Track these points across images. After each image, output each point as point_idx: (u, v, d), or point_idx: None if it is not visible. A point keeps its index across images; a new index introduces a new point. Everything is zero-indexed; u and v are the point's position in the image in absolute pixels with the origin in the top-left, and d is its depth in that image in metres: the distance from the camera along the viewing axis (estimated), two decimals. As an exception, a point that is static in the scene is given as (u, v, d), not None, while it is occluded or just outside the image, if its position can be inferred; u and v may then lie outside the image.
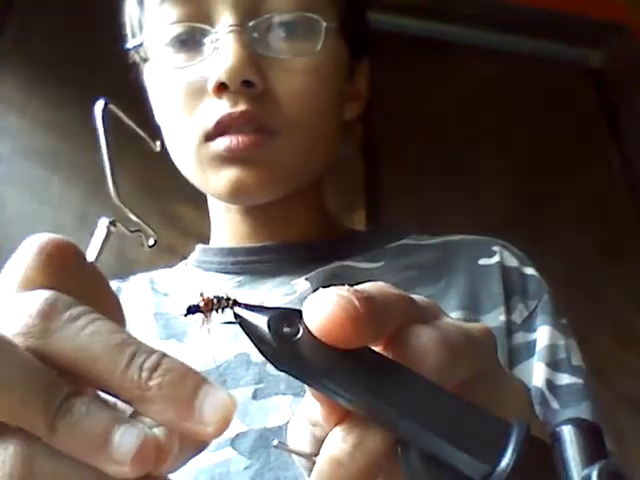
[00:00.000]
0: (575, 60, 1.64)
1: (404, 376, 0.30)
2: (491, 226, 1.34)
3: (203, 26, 0.52)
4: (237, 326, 0.31)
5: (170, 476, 0.46)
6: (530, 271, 0.58)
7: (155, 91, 0.58)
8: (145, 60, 0.59)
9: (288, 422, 0.46)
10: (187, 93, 0.53)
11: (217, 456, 0.45)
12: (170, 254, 1.14)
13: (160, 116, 0.59)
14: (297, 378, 0.30)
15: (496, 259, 0.57)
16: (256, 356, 0.50)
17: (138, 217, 0.33)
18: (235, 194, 0.54)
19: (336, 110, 0.58)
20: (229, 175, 0.53)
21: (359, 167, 1.27)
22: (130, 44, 0.59)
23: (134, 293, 0.62)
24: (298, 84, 0.53)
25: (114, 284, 0.64)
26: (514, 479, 0.27)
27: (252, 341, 0.30)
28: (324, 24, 0.53)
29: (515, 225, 1.35)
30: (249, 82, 0.50)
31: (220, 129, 0.52)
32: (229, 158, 0.52)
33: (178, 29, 0.53)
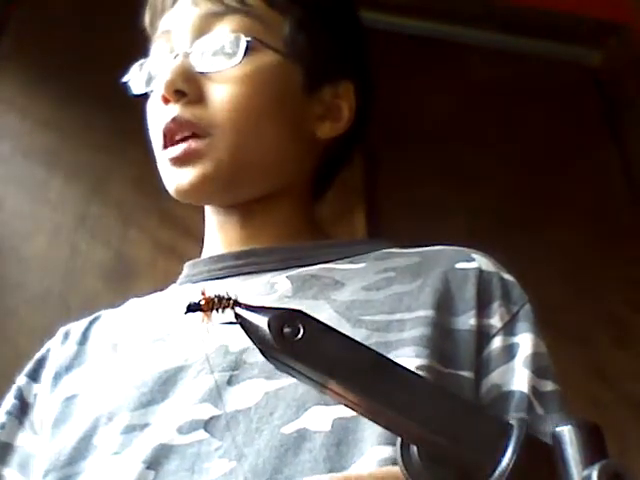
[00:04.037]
0: (575, 60, 1.64)
1: (404, 376, 0.30)
2: (490, 226, 1.35)
3: (167, 56, 0.64)
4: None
5: (141, 454, 0.48)
6: (510, 277, 0.60)
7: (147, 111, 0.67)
8: (146, 86, 0.67)
9: (258, 402, 0.49)
10: (154, 109, 0.64)
11: (190, 438, 0.48)
12: (170, 254, 1.15)
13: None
14: (297, 378, 0.30)
15: (474, 265, 0.59)
16: (234, 346, 0.53)
17: None
18: (177, 192, 0.63)
19: (280, 120, 0.64)
20: (173, 177, 0.63)
21: (358, 167, 1.27)
22: (135, 68, 0.68)
23: (127, 310, 0.65)
24: (225, 92, 0.61)
25: (108, 313, 0.66)
26: (514, 479, 0.27)
27: (252, 341, 0.30)
28: (244, 39, 0.61)
29: (515, 225, 1.35)
30: (180, 91, 0.60)
31: (167, 137, 0.62)
32: (172, 164, 0.62)
33: (157, 62, 0.65)
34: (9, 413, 0.59)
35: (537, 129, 1.50)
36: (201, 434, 0.48)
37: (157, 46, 0.67)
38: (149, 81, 0.66)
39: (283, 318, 0.30)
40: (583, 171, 1.47)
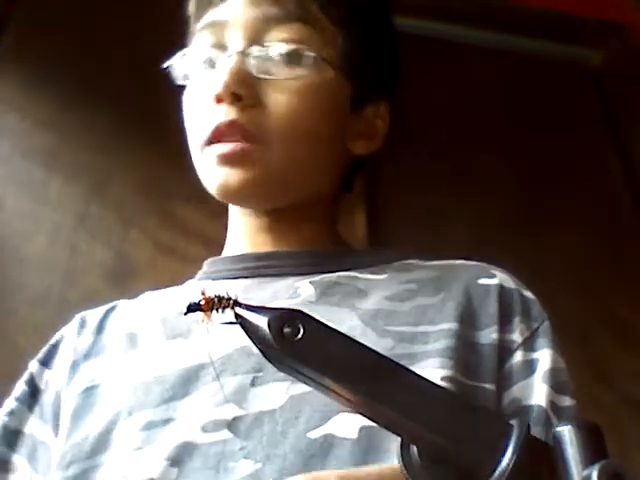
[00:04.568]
0: (575, 60, 1.64)
1: (404, 376, 0.30)
2: (490, 226, 1.35)
3: (219, 51, 0.64)
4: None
5: (164, 451, 0.48)
6: (530, 295, 0.61)
7: (185, 101, 0.67)
8: (186, 77, 0.67)
9: (283, 405, 0.49)
10: (200, 103, 0.63)
11: (213, 437, 0.49)
12: (170, 254, 1.15)
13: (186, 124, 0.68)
14: (297, 378, 0.30)
15: (496, 281, 0.60)
16: None
17: None
18: (222, 191, 0.62)
19: (332, 136, 0.65)
20: (219, 175, 0.61)
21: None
22: (168, 63, 0.68)
23: (143, 304, 0.65)
24: (282, 102, 0.61)
25: (125, 303, 0.66)
26: (514, 479, 0.28)
27: (253, 341, 0.30)
28: (310, 54, 0.62)
29: (515, 225, 1.35)
30: (238, 95, 0.60)
31: (216, 135, 0.61)
32: (221, 160, 0.61)
33: (204, 54, 0.65)
34: (18, 399, 0.59)
35: (537, 129, 1.50)
36: (225, 434, 0.49)
37: (201, 38, 0.66)
38: (190, 72, 0.65)
39: (283, 318, 0.30)
40: (583, 171, 1.47)
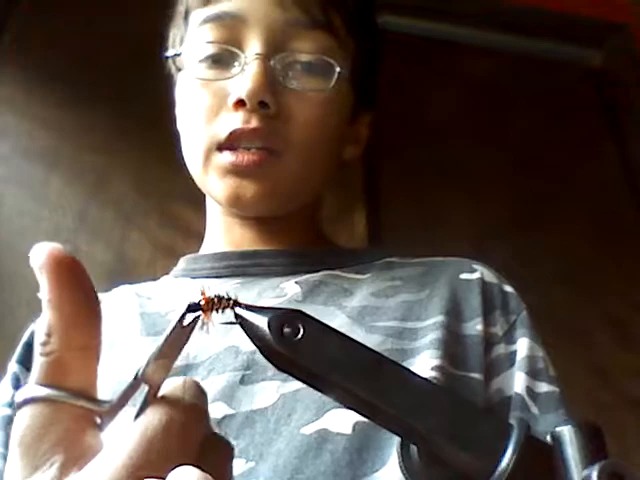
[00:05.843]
0: (575, 60, 1.64)
1: (405, 376, 0.30)
2: (490, 225, 1.35)
3: (234, 50, 0.60)
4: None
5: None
6: (509, 289, 0.62)
7: (183, 98, 0.65)
8: (179, 70, 0.66)
9: (274, 403, 0.48)
10: (210, 104, 0.60)
11: None
12: (170, 254, 1.15)
13: (182, 121, 0.66)
14: (297, 378, 0.30)
15: (477, 275, 0.61)
16: (245, 347, 0.52)
17: None
18: (233, 202, 0.60)
19: (334, 145, 0.65)
20: (230, 184, 0.59)
21: (358, 167, 1.27)
22: (169, 53, 0.67)
23: (118, 298, 0.63)
24: (306, 114, 0.60)
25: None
26: (514, 479, 0.28)
27: (252, 341, 0.30)
28: (337, 69, 0.61)
29: (515, 225, 1.35)
30: (264, 104, 0.58)
31: (231, 141, 0.58)
32: (233, 170, 0.59)
33: (212, 49, 0.61)
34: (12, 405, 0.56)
35: (537, 129, 1.50)
36: None
37: (205, 30, 0.62)
38: (188, 66, 0.62)
39: (283, 318, 0.30)
40: (583, 171, 1.47)
